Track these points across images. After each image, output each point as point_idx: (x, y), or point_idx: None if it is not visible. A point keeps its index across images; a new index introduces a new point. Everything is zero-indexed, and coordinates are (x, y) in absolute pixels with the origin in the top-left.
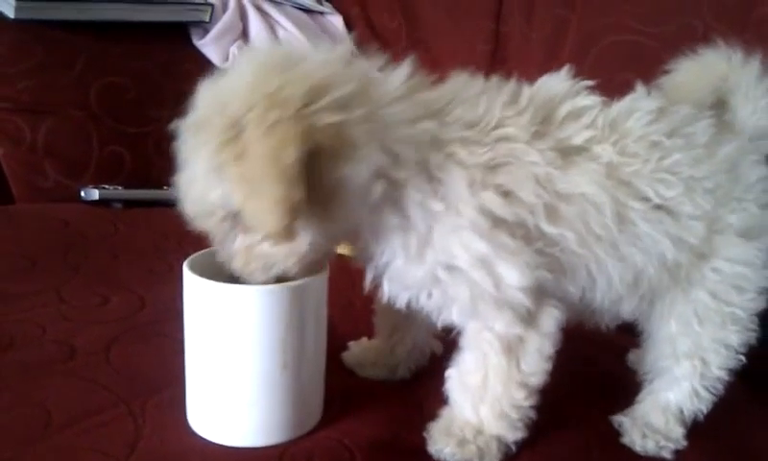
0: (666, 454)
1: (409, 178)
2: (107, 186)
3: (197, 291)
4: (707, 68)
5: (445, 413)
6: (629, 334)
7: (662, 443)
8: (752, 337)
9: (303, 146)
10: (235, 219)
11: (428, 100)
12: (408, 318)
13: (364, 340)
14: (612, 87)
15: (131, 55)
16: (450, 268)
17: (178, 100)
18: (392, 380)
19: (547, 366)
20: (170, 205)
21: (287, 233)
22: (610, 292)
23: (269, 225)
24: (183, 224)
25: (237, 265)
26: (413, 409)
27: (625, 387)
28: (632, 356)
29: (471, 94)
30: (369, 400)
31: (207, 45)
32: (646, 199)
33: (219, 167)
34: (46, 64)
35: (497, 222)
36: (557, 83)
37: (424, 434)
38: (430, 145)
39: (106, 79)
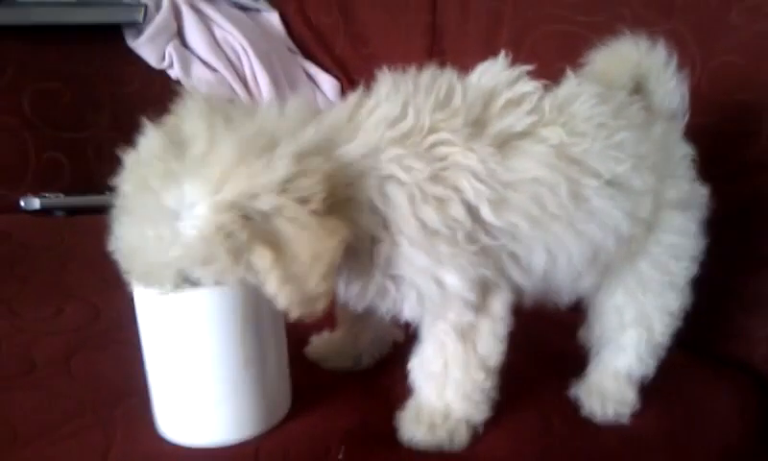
0: (624, 418)
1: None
2: (47, 195)
3: (148, 301)
4: (621, 57)
5: (412, 401)
6: (576, 312)
7: (619, 408)
8: (688, 303)
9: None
10: None
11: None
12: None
13: (325, 333)
14: (548, 75)
15: (63, 58)
16: (395, 278)
17: (115, 103)
18: (356, 370)
19: (502, 347)
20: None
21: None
22: (571, 270)
23: (308, 308)
24: None
25: None
26: (380, 398)
27: (578, 363)
28: (582, 333)
29: (398, 103)
30: (336, 391)
31: (142, 46)
32: (598, 175)
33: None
34: None
35: (435, 233)
36: (495, 72)
37: (394, 422)
38: (367, 177)
39: (39, 84)
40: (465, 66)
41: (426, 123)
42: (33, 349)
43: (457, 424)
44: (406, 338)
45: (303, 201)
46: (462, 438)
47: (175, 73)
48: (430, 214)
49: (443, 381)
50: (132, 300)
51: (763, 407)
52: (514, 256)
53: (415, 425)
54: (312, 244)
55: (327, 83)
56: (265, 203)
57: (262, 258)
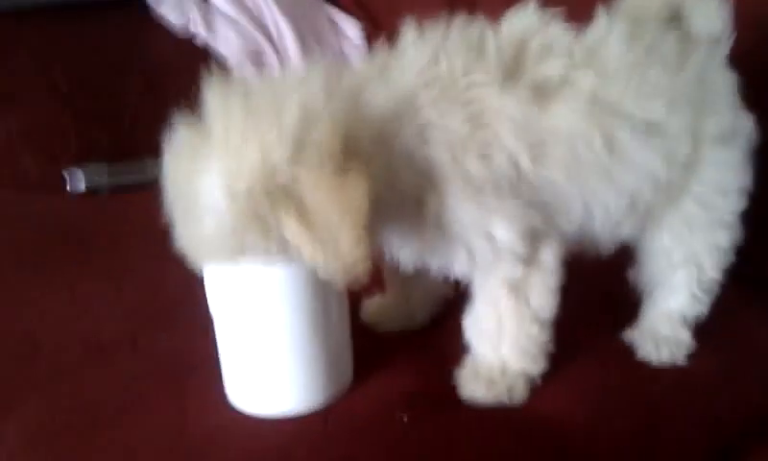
0: (681, 360)
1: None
2: (89, 166)
3: (217, 275)
4: None
5: (469, 359)
6: (623, 253)
7: (675, 350)
8: (739, 237)
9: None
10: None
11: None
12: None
13: (377, 297)
14: (579, 15)
15: (89, 32)
16: (443, 234)
17: (144, 71)
18: (411, 331)
19: (555, 299)
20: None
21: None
22: (608, 220)
23: (349, 274)
24: None
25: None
26: (437, 357)
27: (628, 305)
28: (631, 274)
29: (428, 50)
30: (394, 354)
31: (164, 5)
32: (633, 119)
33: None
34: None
35: (481, 184)
36: (525, 18)
37: (453, 381)
38: (402, 126)
39: (69, 60)
40: (493, 16)
41: (459, 67)
42: (99, 331)
43: (515, 378)
44: (457, 293)
45: (320, 164)
46: (520, 392)
47: (199, 33)
48: (474, 164)
49: (497, 337)
50: (189, 276)
51: None
52: (554, 209)
53: (474, 383)
54: (337, 206)
55: (352, 28)
56: (281, 177)
57: (291, 231)
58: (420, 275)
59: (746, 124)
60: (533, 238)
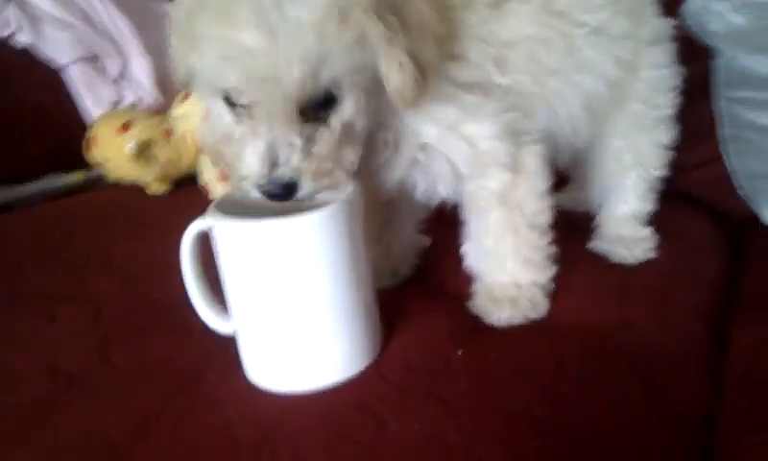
0: (651, 253)
1: None
2: None
3: (256, 235)
4: None
5: (478, 286)
6: None
7: (644, 245)
8: (676, 134)
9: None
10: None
11: None
12: (391, 217)
13: None
14: None
15: None
16: (424, 147)
17: None
18: (403, 283)
19: (547, 202)
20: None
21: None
22: (571, 121)
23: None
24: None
25: (317, 168)
26: (444, 295)
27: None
28: (581, 195)
29: None
30: (404, 309)
31: None
32: (585, 25)
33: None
34: None
35: (458, 85)
36: None
37: (473, 311)
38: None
39: None
40: None
41: None
42: (63, 357)
43: (531, 289)
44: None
45: None
46: (542, 303)
47: (22, 39)
48: (452, 68)
49: (500, 253)
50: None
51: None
52: (524, 113)
53: (495, 306)
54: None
55: None
56: None
57: (380, 32)
58: (397, 222)
59: (669, 28)
60: (514, 142)
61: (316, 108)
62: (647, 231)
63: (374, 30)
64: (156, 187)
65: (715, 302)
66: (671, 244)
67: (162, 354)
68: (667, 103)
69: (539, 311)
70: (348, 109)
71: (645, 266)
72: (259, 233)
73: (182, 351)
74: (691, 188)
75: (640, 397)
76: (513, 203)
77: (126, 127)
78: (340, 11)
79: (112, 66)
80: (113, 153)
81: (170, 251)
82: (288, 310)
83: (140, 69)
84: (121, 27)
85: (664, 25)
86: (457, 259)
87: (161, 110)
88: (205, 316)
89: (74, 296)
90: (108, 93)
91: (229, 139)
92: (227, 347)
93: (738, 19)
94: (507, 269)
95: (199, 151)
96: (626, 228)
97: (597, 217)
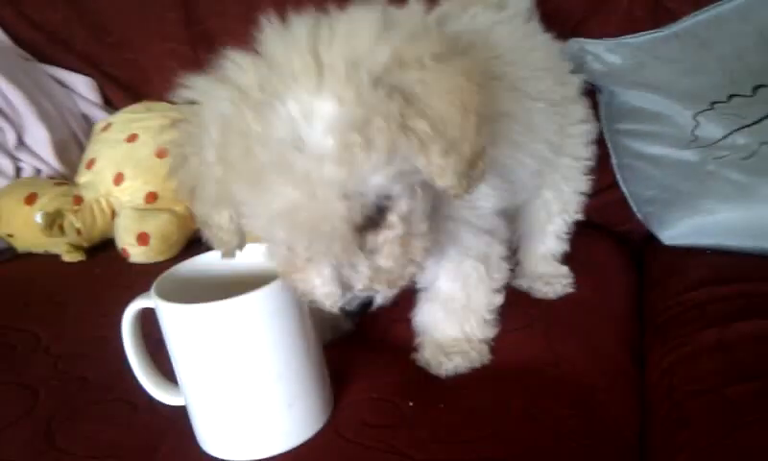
0: (570, 287)
1: None
2: None
3: (201, 317)
4: None
5: (425, 339)
6: None
7: (563, 281)
8: (593, 181)
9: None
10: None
11: None
12: None
13: None
14: None
15: None
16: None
17: None
18: (339, 338)
19: (507, 266)
20: None
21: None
22: (522, 189)
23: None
24: None
25: (387, 277)
26: (386, 353)
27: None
28: None
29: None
30: (350, 365)
31: None
32: (537, 98)
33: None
34: None
35: None
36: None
37: (420, 364)
38: None
39: None
40: (228, 30)
41: None
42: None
43: (480, 345)
44: None
45: (419, 59)
46: (486, 355)
47: None
48: None
49: (465, 314)
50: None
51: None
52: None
53: (447, 357)
54: (452, 92)
55: (82, 83)
56: (392, 78)
57: (419, 132)
58: None
59: (582, 83)
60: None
61: (372, 216)
62: (565, 269)
63: (403, 144)
64: (71, 256)
65: (631, 323)
66: (585, 273)
67: (111, 435)
68: (589, 155)
69: (483, 361)
70: (403, 205)
71: (566, 301)
72: (204, 315)
73: (132, 429)
74: (593, 214)
75: (577, 425)
76: (487, 268)
77: (31, 198)
78: (362, 134)
79: (9, 137)
80: (18, 225)
81: (100, 326)
82: (239, 384)
83: (37, 139)
84: (11, 98)
85: (579, 81)
86: (395, 310)
87: (64, 180)
88: (153, 392)
89: (7, 381)
90: (6, 165)
91: (294, 268)
92: (178, 418)
93: (613, 58)
94: (465, 328)
95: (114, 215)
96: (545, 265)
97: (518, 255)
